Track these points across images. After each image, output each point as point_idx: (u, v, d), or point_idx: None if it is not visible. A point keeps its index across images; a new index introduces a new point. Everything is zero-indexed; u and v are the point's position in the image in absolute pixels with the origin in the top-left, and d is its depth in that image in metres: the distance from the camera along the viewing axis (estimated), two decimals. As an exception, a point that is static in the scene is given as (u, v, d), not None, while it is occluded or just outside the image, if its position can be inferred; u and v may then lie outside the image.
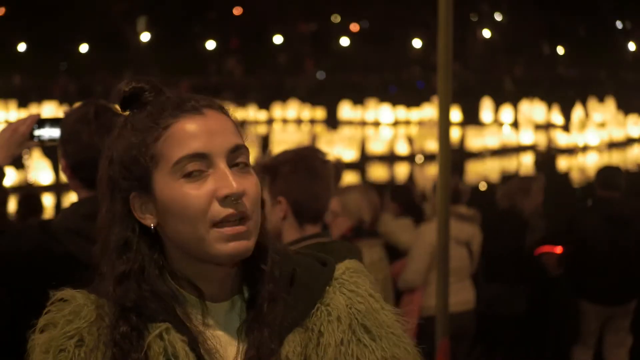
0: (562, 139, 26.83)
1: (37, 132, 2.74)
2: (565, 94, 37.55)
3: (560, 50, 61.30)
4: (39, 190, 15.64)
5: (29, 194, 7.90)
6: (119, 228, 1.46)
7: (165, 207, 1.43)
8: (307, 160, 3.01)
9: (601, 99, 32.18)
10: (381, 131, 31.12)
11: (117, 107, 1.51)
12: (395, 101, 35.04)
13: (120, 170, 1.46)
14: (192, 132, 1.43)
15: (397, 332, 1.52)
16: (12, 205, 7.50)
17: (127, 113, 1.50)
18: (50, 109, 31.22)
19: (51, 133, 2.75)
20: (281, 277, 1.49)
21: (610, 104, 31.50)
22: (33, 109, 33.25)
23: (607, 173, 6.80)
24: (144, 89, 1.49)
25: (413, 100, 35.04)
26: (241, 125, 1.53)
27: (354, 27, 64.40)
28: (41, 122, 2.74)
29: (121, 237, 1.46)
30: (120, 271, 1.44)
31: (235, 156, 1.44)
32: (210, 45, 61.22)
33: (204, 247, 1.41)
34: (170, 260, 1.47)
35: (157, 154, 1.43)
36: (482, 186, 18.54)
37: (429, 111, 31.99)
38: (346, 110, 34.54)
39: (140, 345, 1.40)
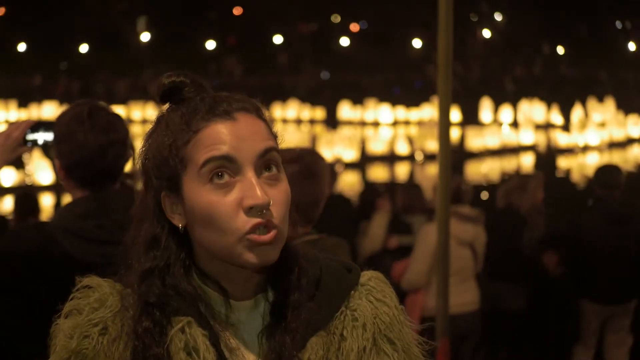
0: (562, 139, 26.82)
1: (31, 137, 2.73)
2: (565, 94, 37.54)
3: (560, 50, 61.29)
4: (36, 190, 15.65)
5: (26, 194, 7.88)
6: (149, 224, 1.47)
7: (193, 211, 1.42)
8: (310, 165, 3.00)
9: (601, 99, 32.18)
10: (381, 131, 31.13)
11: (157, 99, 1.49)
12: (394, 101, 35.04)
13: (153, 168, 1.46)
14: (221, 136, 1.41)
15: (414, 349, 1.53)
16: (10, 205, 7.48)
17: (165, 106, 1.49)
18: (51, 109, 31.22)
19: (46, 137, 2.74)
20: (308, 282, 1.50)
21: (610, 104, 31.49)
22: (33, 109, 33.28)
23: (606, 172, 6.79)
24: (185, 83, 1.48)
25: (412, 100, 35.04)
26: (275, 124, 1.52)
27: (354, 27, 64.38)
28: (35, 127, 2.73)
29: (150, 234, 1.46)
30: (146, 267, 1.45)
31: (266, 161, 1.43)
32: (210, 45, 61.20)
33: (230, 254, 1.41)
34: (197, 258, 1.47)
35: (186, 158, 1.42)
36: (485, 181, 18.58)
37: (428, 111, 32.00)
38: (345, 110, 34.53)
39: (163, 341, 1.41)
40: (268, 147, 1.43)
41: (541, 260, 6.78)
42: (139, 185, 1.52)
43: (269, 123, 1.49)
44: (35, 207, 6.97)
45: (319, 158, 3.08)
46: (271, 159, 1.43)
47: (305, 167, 2.98)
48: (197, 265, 1.48)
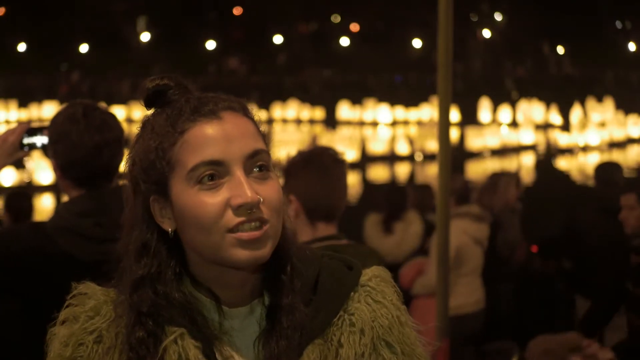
0: (562, 139, 26.81)
1: (28, 140, 2.74)
2: (565, 93, 37.53)
3: (560, 50, 61.25)
4: (31, 190, 15.62)
5: (18, 193, 7.46)
6: (139, 231, 1.45)
7: (181, 213, 1.41)
8: (317, 159, 2.99)
9: (600, 99, 32.18)
10: (380, 131, 31.12)
11: (142, 104, 1.47)
12: (393, 101, 35.04)
13: (140, 173, 1.44)
14: (208, 138, 1.39)
15: (417, 350, 1.50)
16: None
17: (151, 111, 1.47)
18: (51, 109, 31.21)
19: (42, 140, 2.74)
20: (303, 285, 1.47)
21: (609, 104, 31.49)
22: (33, 109, 33.28)
23: (606, 169, 6.81)
24: (169, 86, 1.46)
25: (412, 100, 35.04)
26: (266, 123, 1.50)
27: (354, 27, 64.34)
28: (31, 131, 2.73)
29: (139, 240, 1.44)
30: (137, 276, 1.43)
31: (255, 161, 1.41)
32: (210, 45, 61.18)
33: (219, 253, 1.40)
34: (189, 264, 1.45)
35: (173, 160, 1.40)
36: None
37: (427, 111, 32.01)
38: (345, 110, 34.51)
39: (156, 351, 1.39)
40: (257, 148, 1.42)
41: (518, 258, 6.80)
42: (127, 192, 1.48)
43: (257, 123, 1.47)
44: (28, 208, 6.61)
45: (331, 153, 3.06)
46: (261, 160, 1.42)
47: (314, 162, 2.97)
48: (190, 272, 1.45)
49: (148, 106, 1.47)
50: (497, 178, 7.21)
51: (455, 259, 5.97)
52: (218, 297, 1.44)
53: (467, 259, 6.13)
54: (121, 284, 1.45)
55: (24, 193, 7.45)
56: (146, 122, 1.46)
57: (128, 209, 1.47)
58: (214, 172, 1.39)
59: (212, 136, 1.39)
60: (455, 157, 17.41)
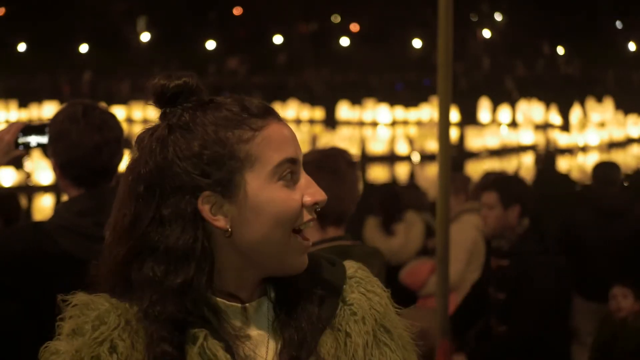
0: (562, 139, 26.82)
1: (23, 140, 2.74)
2: (564, 93, 37.52)
3: (560, 50, 61.23)
4: (31, 191, 15.59)
5: (7, 195, 6.99)
6: (180, 231, 1.38)
7: (257, 209, 1.40)
8: (331, 161, 2.97)
9: (600, 99, 32.18)
10: (380, 131, 31.13)
11: (152, 101, 1.44)
12: (393, 101, 35.03)
13: (192, 168, 1.39)
14: (287, 137, 1.44)
15: (405, 335, 1.54)
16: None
17: (164, 109, 1.44)
18: (51, 109, 31.20)
19: (38, 140, 2.75)
20: (304, 279, 1.50)
21: (609, 104, 31.49)
22: (33, 109, 33.27)
23: (604, 168, 6.83)
24: (189, 87, 1.44)
25: (411, 100, 35.04)
26: None
27: (354, 27, 64.33)
28: (26, 130, 2.74)
29: (182, 244, 1.39)
30: (174, 284, 1.38)
31: (303, 164, 1.48)
32: (210, 45, 61.16)
33: (281, 254, 1.43)
34: (218, 268, 1.43)
35: (252, 155, 1.40)
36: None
37: (427, 111, 32.01)
38: (344, 110, 34.50)
39: (182, 357, 1.37)
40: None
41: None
42: (132, 194, 1.41)
43: None
44: (16, 209, 5.85)
45: (344, 156, 3.05)
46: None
47: (328, 164, 2.96)
48: (215, 279, 1.44)
49: (162, 104, 1.44)
50: (490, 178, 7.22)
51: (472, 253, 6.03)
52: (240, 299, 1.45)
53: (478, 254, 6.16)
54: (123, 289, 1.41)
55: (12, 194, 7.11)
56: (191, 117, 1.41)
57: (133, 208, 1.41)
58: (293, 170, 1.43)
59: (289, 135, 1.45)
60: (455, 157, 17.42)
